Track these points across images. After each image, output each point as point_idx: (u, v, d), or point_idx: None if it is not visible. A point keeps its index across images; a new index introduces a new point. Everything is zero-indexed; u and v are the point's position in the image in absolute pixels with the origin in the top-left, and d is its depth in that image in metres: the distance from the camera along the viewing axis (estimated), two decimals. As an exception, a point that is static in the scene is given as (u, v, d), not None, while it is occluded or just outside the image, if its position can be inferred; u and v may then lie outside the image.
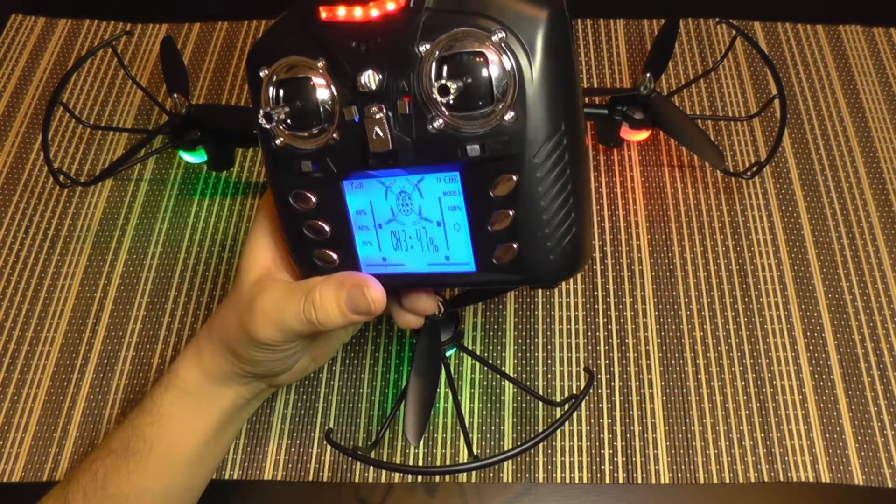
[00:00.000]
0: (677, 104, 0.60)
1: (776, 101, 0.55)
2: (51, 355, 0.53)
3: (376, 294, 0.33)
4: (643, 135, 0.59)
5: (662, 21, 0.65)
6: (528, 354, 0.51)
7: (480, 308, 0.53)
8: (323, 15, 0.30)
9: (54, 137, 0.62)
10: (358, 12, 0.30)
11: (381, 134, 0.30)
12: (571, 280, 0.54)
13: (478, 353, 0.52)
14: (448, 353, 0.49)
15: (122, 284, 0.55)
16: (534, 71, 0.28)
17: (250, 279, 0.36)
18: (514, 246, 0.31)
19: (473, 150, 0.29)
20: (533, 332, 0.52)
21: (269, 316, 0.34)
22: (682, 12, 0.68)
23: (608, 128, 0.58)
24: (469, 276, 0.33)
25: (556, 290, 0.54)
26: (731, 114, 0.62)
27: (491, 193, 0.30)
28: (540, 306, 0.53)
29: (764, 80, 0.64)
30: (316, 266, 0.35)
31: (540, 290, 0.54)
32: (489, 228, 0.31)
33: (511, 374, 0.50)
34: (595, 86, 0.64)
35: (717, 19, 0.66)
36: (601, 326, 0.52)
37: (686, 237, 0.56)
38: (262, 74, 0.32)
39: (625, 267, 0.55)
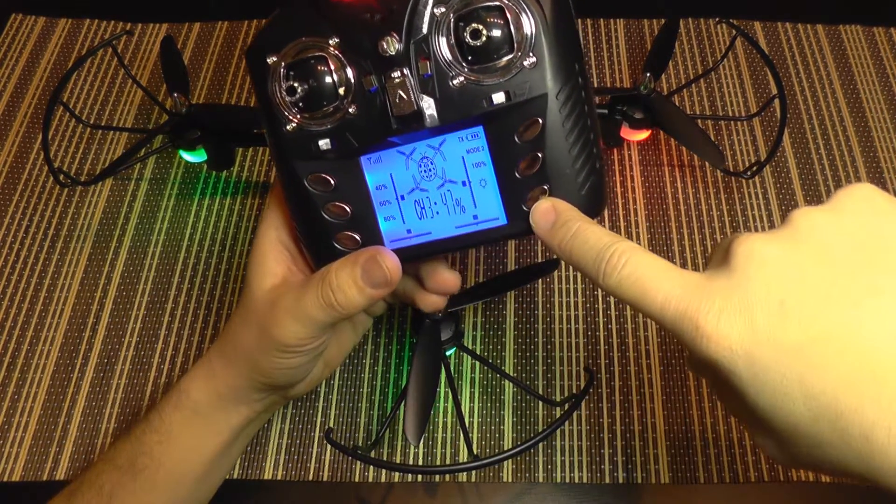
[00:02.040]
0: (677, 104, 0.60)
1: (776, 101, 0.55)
2: (51, 355, 0.53)
3: (391, 262, 0.33)
4: (643, 134, 0.59)
5: (662, 21, 0.65)
6: (528, 354, 0.51)
7: (480, 308, 0.53)
8: None
9: (54, 137, 0.62)
10: None
11: (404, 97, 0.31)
12: (571, 280, 0.54)
13: (478, 352, 0.52)
14: (448, 353, 0.49)
15: (122, 284, 0.55)
16: (547, 17, 0.30)
17: (264, 288, 0.36)
18: (545, 188, 0.32)
19: (498, 98, 0.31)
20: (533, 332, 0.52)
21: (290, 312, 0.34)
22: (682, 12, 0.68)
23: (608, 127, 0.58)
24: (500, 230, 0.34)
25: (556, 290, 0.54)
26: (731, 114, 0.62)
27: (517, 140, 0.32)
28: (540, 306, 0.53)
29: (764, 80, 0.64)
30: (337, 251, 0.35)
31: (540, 290, 0.54)
32: (517, 176, 0.32)
33: (511, 374, 0.50)
34: (595, 85, 0.64)
35: (717, 19, 0.66)
36: (601, 326, 0.52)
37: (686, 237, 0.56)
38: (270, 62, 0.32)
39: (625, 267, 0.55)
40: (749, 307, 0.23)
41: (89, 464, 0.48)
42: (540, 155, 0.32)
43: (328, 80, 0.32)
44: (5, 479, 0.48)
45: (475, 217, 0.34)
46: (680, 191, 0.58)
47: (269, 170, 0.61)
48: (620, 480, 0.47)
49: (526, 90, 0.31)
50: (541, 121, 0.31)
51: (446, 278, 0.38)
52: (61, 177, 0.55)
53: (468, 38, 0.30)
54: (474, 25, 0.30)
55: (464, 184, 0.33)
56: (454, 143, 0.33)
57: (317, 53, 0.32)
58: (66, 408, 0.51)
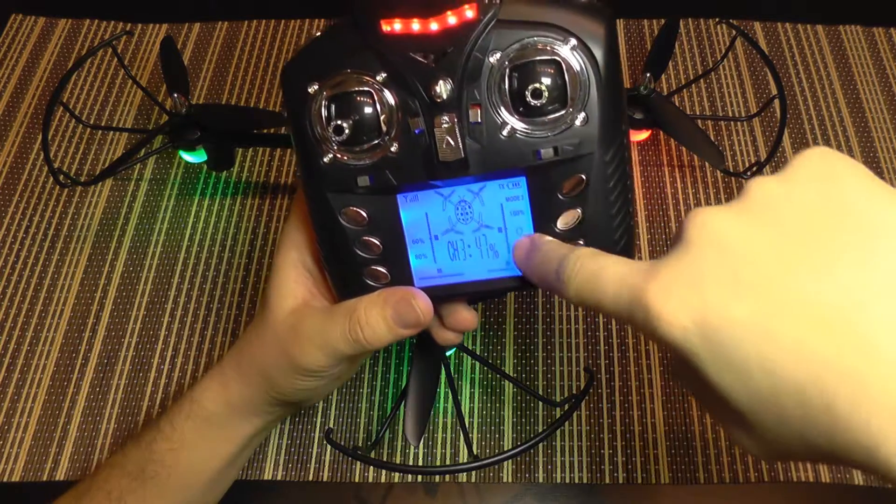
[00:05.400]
0: (677, 104, 0.60)
1: (776, 101, 0.55)
2: (51, 355, 0.53)
3: (424, 305, 0.33)
4: (643, 135, 0.59)
5: (662, 21, 0.65)
6: (528, 354, 0.51)
7: (480, 308, 0.53)
8: (385, 28, 0.30)
9: (54, 137, 0.62)
10: (426, 25, 0.30)
11: (451, 143, 0.30)
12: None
13: (478, 353, 0.52)
14: (448, 353, 0.49)
15: (122, 284, 0.55)
16: (602, 75, 0.30)
17: (285, 310, 0.36)
18: (581, 242, 0.32)
19: (547, 153, 0.30)
20: (533, 332, 0.52)
21: (314, 341, 0.34)
22: (682, 12, 0.68)
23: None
24: None
25: (556, 290, 0.54)
26: (731, 114, 0.62)
27: (560, 195, 0.31)
28: (540, 306, 0.53)
29: (764, 80, 0.64)
30: (365, 286, 0.34)
31: (540, 290, 0.54)
32: (556, 229, 0.32)
33: (511, 374, 0.50)
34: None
35: (717, 19, 0.66)
36: (601, 326, 0.52)
37: (686, 237, 0.56)
38: (310, 90, 0.31)
39: (625, 267, 0.55)
40: (700, 281, 0.22)
41: (95, 467, 0.48)
42: (580, 211, 0.31)
43: (372, 116, 0.31)
44: (5, 480, 0.48)
45: (508, 263, 0.33)
46: (680, 191, 0.58)
47: (270, 170, 0.61)
48: (620, 480, 0.47)
49: (575, 147, 0.30)
50: (585, 178, 0.31)
51: (465, 317, 0.37)
52: (61, 177, 0.55)
53: (528, 97, 0.29)
54: (535, 85, 0.29)
55: (500, 230, 0.33)
56: (494, 189, 0.32)
57: (362, 88, 0.31)
58: (66, 408, 0.51)
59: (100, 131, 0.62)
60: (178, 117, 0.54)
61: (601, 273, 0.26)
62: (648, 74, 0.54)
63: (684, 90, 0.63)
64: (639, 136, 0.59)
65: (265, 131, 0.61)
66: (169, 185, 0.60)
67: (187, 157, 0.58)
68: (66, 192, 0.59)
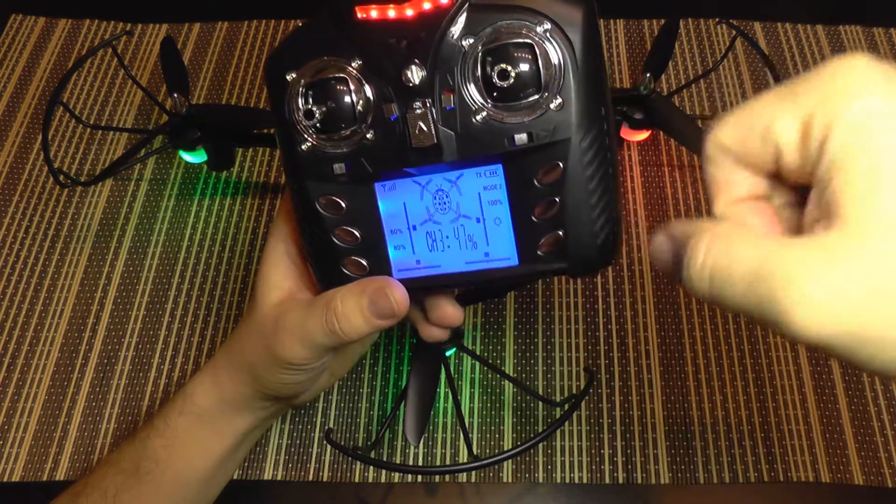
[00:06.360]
0: (677, 104, 0.60)
1: (776, 101, 0.55)
2: (51, 355, 0.53)
3: (399, 295, 0.33)
4: (643, 135, 0.59)
5: (662, 21, 0.65)
6: (528, 354, 0.51)
7: (480, 308, 0.53)
8: (360, 15, 0.30)
9: (54, 137, 0.62)
10: (401, 11, 0.30)
11: (424, 129, 0.30)
12: (571, 280, 0.54)
13: (478, 353, 0.52)
14: (448, 353, 0.49)
15: (122, 284, 0.55)
16: (578, 59, 0.29)
17: (270, 302, 0.36)
18: (560, 233, 0.31)
19: (521, 139, 0.30)
20: (533, 332, 0.52)
21: (294, 334, 0.34)
22: (682, 12, 0.68)
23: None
24: (511, 270, 0.33)
25: (556, 290, 0.54)
26: (731, 114, 0.62)
27: (536, 182, 0.31)
28: (540, 306, 0.53)
29: (764, 80, 0.64)
30: (344, 276, 0.34)
31: (540, 290, 0.54)
32: (534, 218, 0.31)
33: (511, 374, 0.50)
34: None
35: (717, 19, 0.66)
36: (601, 326, 0.52)
37: (686, 237, 0.56)
38: (289, 78, 0.31)
39: (624, 267, 0.55)
40: (872, 288, 0.17)
41: (92, 466, 0.48)
42: (558, 200, 0.31)
43: (347, 103, 0.31)
44: (5, 480, 0.48)
45: (487, 255, 0.33)
46: (680, 191, 0.58)
47: (270, 170, 0.61)
48: (620, 481, 0.47)
49: (550, 132, 0.30)
50: (562, 165, 0.30)
51: (449, 313, 0.37)
52: (61, 177, 0.55)
53: (495, 78, 0.29)
54: (502, 66, 0.29)
55: (478, 220, 0.33)
56: (471, 178, 0.32)
57: (338, 74, 0.31)
58: (66, 408, 0.51)
59: (100, 131, 0.62)
60: (178, 117, 0.54)
61: (730, 258, 0.20)
62: (648, 74, 0.54)
63: (684, 90, 0.63)
64: (639, 136, 0.59)
65: (265, 131, 0.61)
66: (169, 185, 0.60)
67: (187, 157, 0.58)
68: (66, 192, 0.59)
